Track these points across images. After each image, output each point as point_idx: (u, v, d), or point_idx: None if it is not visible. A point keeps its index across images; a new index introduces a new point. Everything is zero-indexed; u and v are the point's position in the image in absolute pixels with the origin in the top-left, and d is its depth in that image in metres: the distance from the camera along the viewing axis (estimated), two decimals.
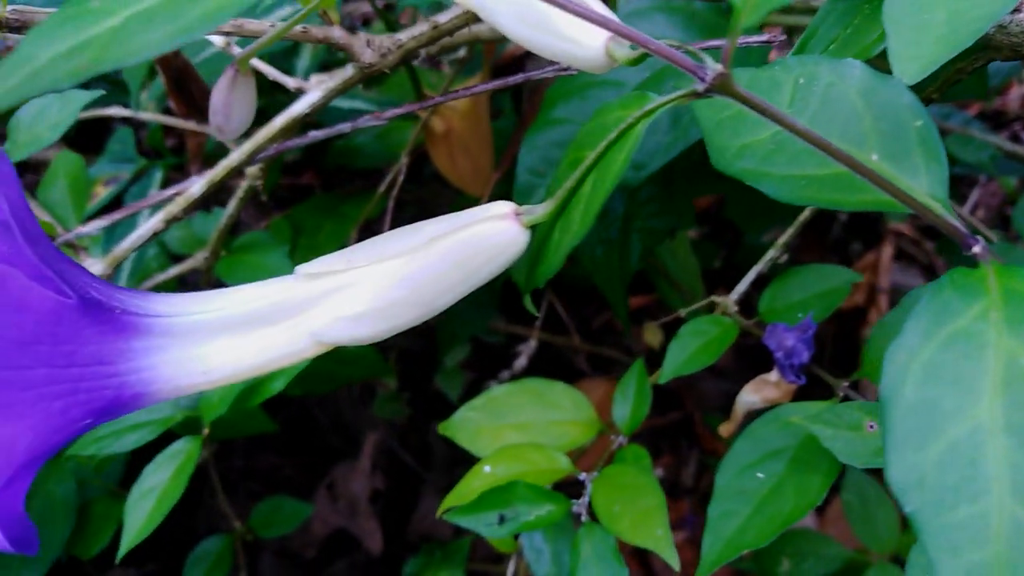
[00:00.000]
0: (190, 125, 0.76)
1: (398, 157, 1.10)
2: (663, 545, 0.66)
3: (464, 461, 1.47)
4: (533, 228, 0.40)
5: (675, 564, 0.65)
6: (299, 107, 0.57)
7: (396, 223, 0.99)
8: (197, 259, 0.73)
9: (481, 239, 0.40)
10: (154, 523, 0.66)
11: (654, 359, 1.51)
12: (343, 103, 1.03)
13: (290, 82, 0.60)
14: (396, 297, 0.40)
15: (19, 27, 0.44)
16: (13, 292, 0.34)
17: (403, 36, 0.53)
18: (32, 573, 0.86)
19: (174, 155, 1.07)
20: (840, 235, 1.69)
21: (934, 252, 1.59)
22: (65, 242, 0.66)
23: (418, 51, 0.54)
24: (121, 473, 0.98)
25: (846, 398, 0.63)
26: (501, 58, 1.03)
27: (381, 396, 1.42)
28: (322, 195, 1.11)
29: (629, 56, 0.40)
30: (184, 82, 0.71)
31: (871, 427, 0.55)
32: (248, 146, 0.59)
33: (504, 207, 0.40)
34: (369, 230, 1.04)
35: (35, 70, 0.27)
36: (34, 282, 0.35)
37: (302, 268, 0.42)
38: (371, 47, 0.52)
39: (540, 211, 0.39)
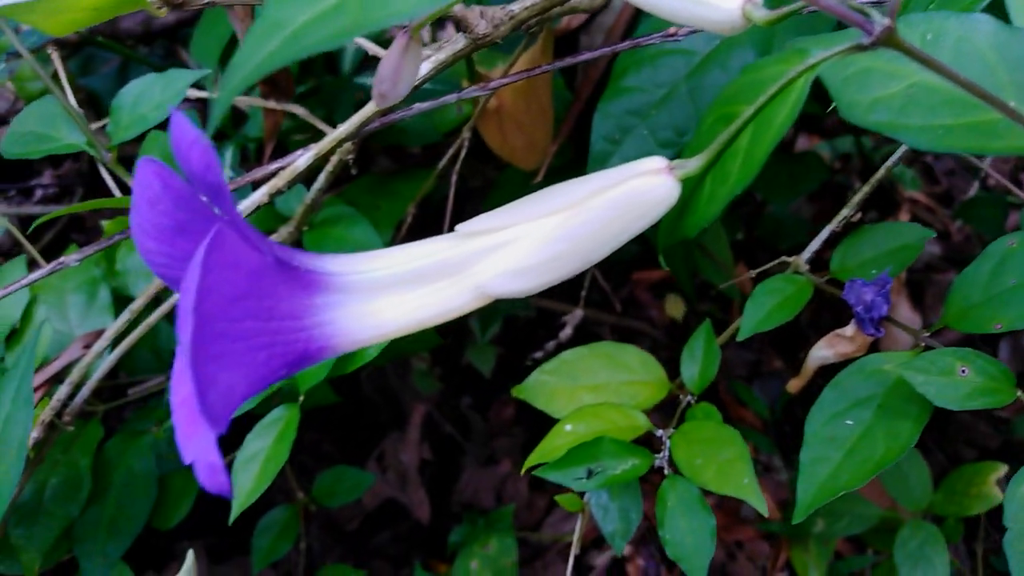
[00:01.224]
0: (270, 104, 0.78)
1: (436, 136, 1.13)
2: (750, 492, 0.68)
3: (500, 433, 1.51)
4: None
5: (763, 510, 0.68)
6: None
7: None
8: (281, 234, 0.75)
9: (638, 194, 0.42)
10: (262, 486, 0.69)
11: (676, 331, 1.55)
12: None
13: (382, 52, 0.62)
14: (557, 251, 0.42)
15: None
16: (229, 249, 0.36)
17: (515, 7, 0.55)
18: (118, 543, 0.89)
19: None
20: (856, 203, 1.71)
21: (949, 218, 1.62)
22: None
23: (528, 21, 0.56)
24: None
25: (927, 347, 0.66)
26: (555, 31, 1.05)
27: (417, 370, 1.45)
28: (372, 174, 1.13)
29: (766, 17, 0.42)
30: None
31: (963, 372, 0.58)
32: (356, 118, 0.61)
33: (658, 162, 0.42)
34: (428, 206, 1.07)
35: (292, 34, 0.30)
36: (242, 241, 0.37)
37: (462, 227, 0.44)
38: (484, 18, 0.54)
39: (693, 165, 0.42)
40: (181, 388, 0.43)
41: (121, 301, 0.97)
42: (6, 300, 0.72)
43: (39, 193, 1.39)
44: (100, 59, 1.33)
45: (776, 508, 1.32)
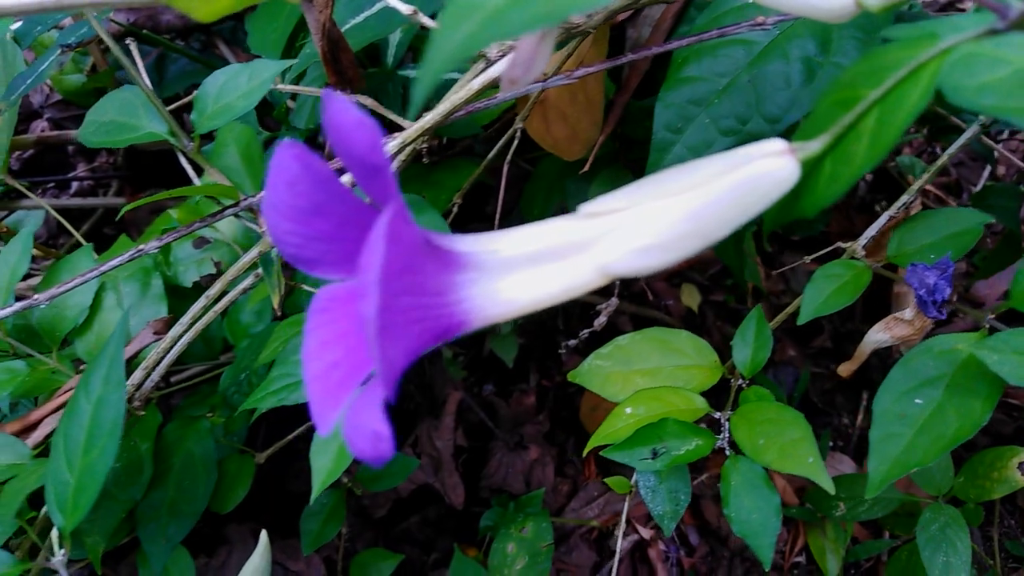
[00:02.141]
0: None
1: (476, 127, 1.15)
2: (816, 471, 0.71)
3: (525, 421, 1.52)
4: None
5: (831, 489, 0.70)
6: (496, 69, 0.61)
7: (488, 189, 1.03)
8: None
9: (761, 175, 0.44)
10: (342, 466, 0.70)
11: (691, 319, 1.57)
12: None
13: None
14: (682, 231, 0.44)
15: None
16: (397, 224, 0.38)
17: None
18: (180, 526, 0.91)
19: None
20: (866, 193, 1.75)
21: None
22: (249, 206, 0.69)
23: (620, 12, 0.57)
24: (245, 433, 1.02)
25: (992, 329, 0.68)
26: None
27: (446, 358, 1.47)
28: (415, 165, 1.15)
29: (880, 5, 0.44)
30: (336, 51, 0.74)
31: None
32: (443, 107, 0.63)
33: (779, 144, 0.44)
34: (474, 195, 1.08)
35: (490, 16, 0.31)
36: (404, 218, 0.39)
37: (584, 207, 0.46)
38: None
39: (815, 146, 0.44)
40: (312, 366, 0.45)
41: (171, 290, 0.99)
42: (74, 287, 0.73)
43: (74, 186, 1.40)
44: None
45: (793, 493, 1.35)
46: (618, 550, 0.95)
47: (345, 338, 0.46)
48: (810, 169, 0.45)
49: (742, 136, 0.75)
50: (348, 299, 0.47)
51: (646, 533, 1.35)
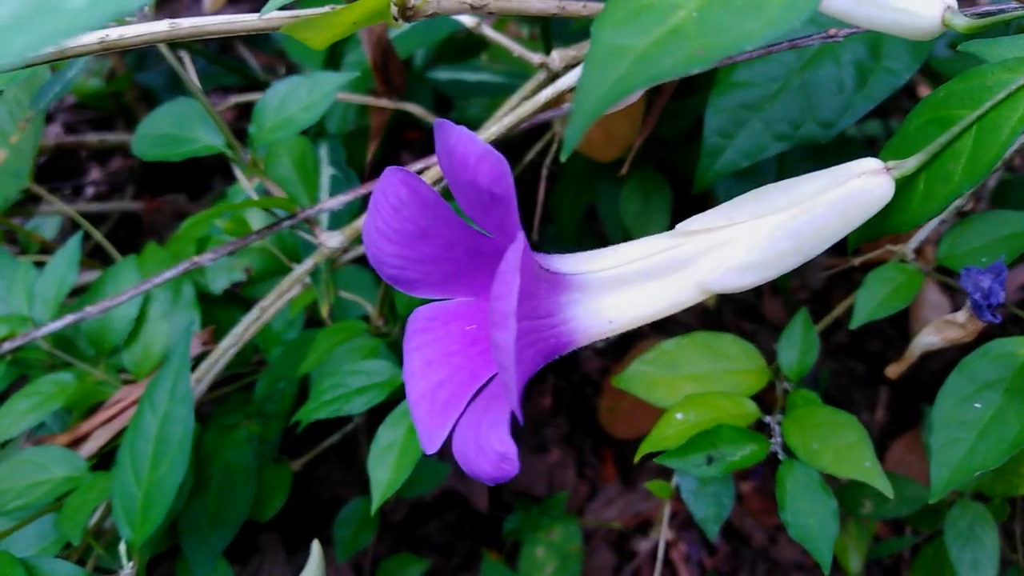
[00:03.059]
0: (382, 102, 0.80)
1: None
2: (874, 475, 0.71)
3: (546, 424, 1.52)
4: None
5: (889, 492, 0.71)
6: (568, 80, 0.61)
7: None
8: None
9: (859, 193, 0.45)
10: (402, 474, 0.70)
11: (709, 319, 1.57)
12: (470, 76, 1.07)
13: (535, 58, 0.64)
14: (782, 248, 0.45)
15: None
16: (524, 255, 0.38)
17: None
18: (222, 535, 0.90)
19: None
20: None
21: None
22: (306, 218, 0.69)
23: None
24: (278, 443, 1.01)
25: None
26: None
27: None
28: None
29: (967, 24, 0.45)
30: (386, 60, 0.74)
31: None
32: (509, 119, 0.63)
33: (875, 163, 0.45)
34: None
35: (637, 59, 0.31)
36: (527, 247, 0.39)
37: (681, 226, 0.46)
38: None
39: (910, 165, 0.44)
40: (418, 385, 0.46)
41: (200, 297, 0.99)
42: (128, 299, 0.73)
43: (90, 191, 1.39)
44: (153, 56, 1.33)
45: None
46: (661, 547, 0.96)
47: (450, 357, 0.46)
48: (903, 187, 0.45)
49: (795, 140, 0.76)
50: (450, 319, 0.47)
51: (668, 535, 1.35)
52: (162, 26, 0.51)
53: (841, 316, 1.55)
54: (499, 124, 0.63)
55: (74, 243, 0.83)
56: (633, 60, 0.31)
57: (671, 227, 0.45)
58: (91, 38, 0.49)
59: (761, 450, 0.76)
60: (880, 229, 0.47)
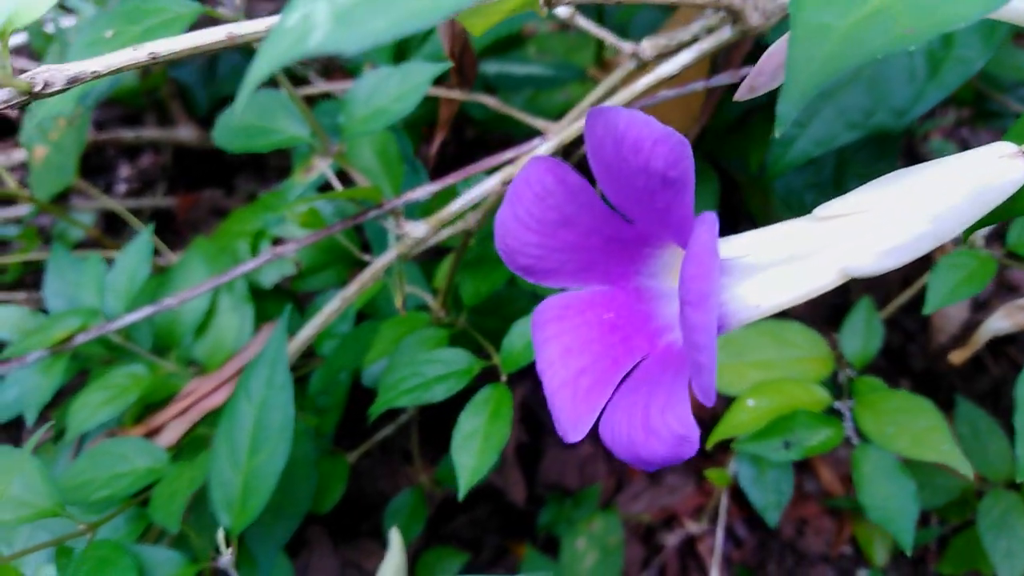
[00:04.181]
0: (453, 94, 0.80)
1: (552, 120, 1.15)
2: (953, 457, 0.72)
3: None
4: None
5: (969, 473, 0.72)
6: (668, 68, 0.62)
7: None
8: (468, 221, 0.77)
9: (995, 177, 0.45)
10: (487, 460, 0.71)
11: None
12: (518, 68, 1.07)
13: (626, 47, 0.64)
14: (922, 232, 0.45)
15: None
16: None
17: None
18: (285, 527, 0.90)
19: None
20: None
21: None
22: (392, 208, 0.70)
23: None
24: (332, 436, 1.02)
25: None
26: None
27: None
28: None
29: None
30: (463, 52, 0.75)
31: None
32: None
33: (1011, 147, 0.46)
34: None
35: (844, 37, 0.32)
36: None
37: (819, 210, 0.47)
38: (758, 10, 0.57)
39: None
40: (558, 373, 0.46)
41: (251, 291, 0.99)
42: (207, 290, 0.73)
43: (122, 187, 1.39)
44: None
45: (839, 483, 1.37)
46: (719, 538, 0.96)
47: (589, 346, 0.46)
48: None
49: (867, 129, 0.77)
50: (585, 308, 0.48)
51: (694, 528, 1.36)
52: (219, 34, 0.51)
53: None
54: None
55: (145, 236, 0.83)
56: (840, 39, 0.32)
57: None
58: (141, 53, 0.49)
59: (837, 435, 0.77)
60: (1009, 212, 0.47)
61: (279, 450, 0.63)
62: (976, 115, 1.15)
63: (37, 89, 0.40)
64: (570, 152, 0.72)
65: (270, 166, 1.42)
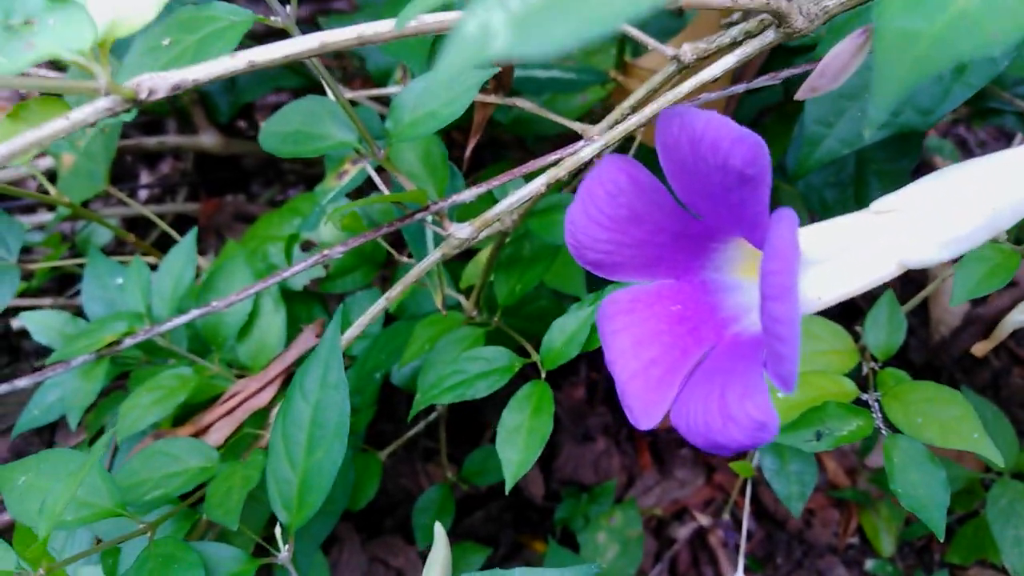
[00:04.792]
0: (490, 98, 0.82)
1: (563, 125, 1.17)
2: (984, 446, 0.75)
3: (588, 414, 1.55)
4: None
5: (1000, 461, 0.74)
6: (712, 71, 0.64)
7: None
8: (504, 222, 0.79)
9: None
10: (532, 454, 0.73)
11: None
12: (540, 72, 1.09)
13: (668, 50, 0.66)
14: (978, 224, 0.48)
15: None
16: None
17: (830, 2, 0.60)
18: (324, 524, 0.92)
19: None
20: None
21: None
22: (438, 210, 0.72)
23: (838, 15, 0.60)
24: (363, 434, 1.04)
25: None
26: None
27: None
28: (507, 161, 1.17)
29: None
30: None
31: None
32: (650, 109, 0.66)
33: None
34: None
35: (933, 42, 0.34)
36: None
37: (875, 205, 0.49)
38: (802, 13, 0.59)
39: None
40: (629, 364, 0.48)
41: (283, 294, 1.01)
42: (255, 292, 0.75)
43: (143, 193, 1.41)
44: None
45: (844, 475, 1.39)
46: (745, 521, 0.99)
47: (658, 337, 0.48)
48: None
49: (894, 128, 0.79)
50: (653, 301, 0.50)
51: (705, 520, 1.38)
52: (312, 42, 0.53)
53: (863, 300, 1.58)
54: (639, 115, 0.66)
55: (189, 240, 0.85)
56: (929, 43, 0.34)
57: None
58: (240, 60, 0.50)
59: (868, 425, 0.79)
60: None
61: (335, 448, 0.65)
62: (973, 114, 1.18)
63: (142, 96, 0.42)
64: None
65: (287, 171, 1.44)
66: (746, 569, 1.29)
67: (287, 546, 0.67)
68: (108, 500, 0.67)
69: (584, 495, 1.35)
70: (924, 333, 1.54)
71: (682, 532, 1.37)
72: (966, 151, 1.87)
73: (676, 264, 0.50)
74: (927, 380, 1.09)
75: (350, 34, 0.48)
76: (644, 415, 0.47)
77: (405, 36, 0.48)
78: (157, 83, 0.42)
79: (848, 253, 0.48)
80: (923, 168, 1.74)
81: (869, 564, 1.27)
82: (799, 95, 0.52)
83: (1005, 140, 1.88)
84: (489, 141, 1.30)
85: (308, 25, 1.28)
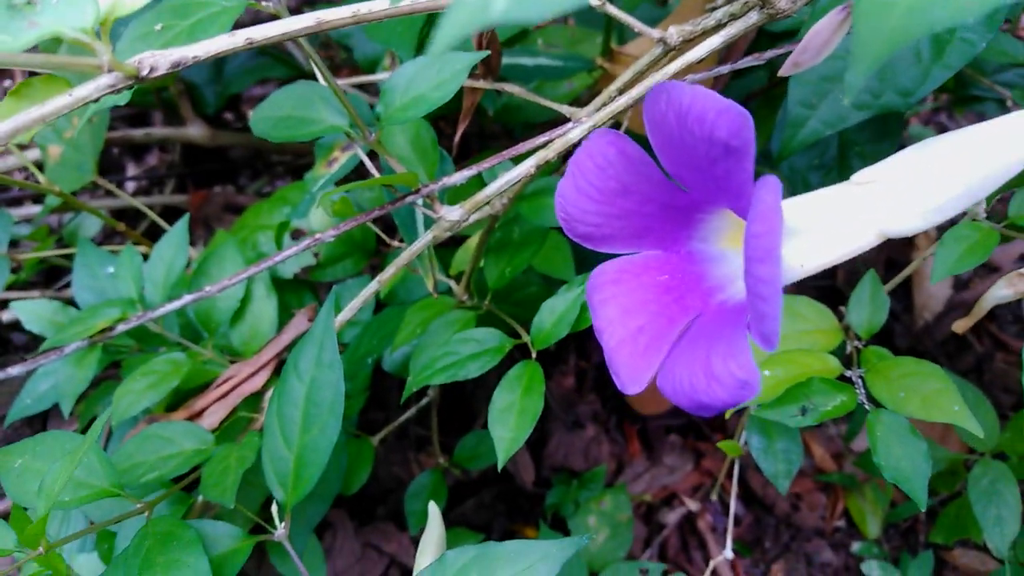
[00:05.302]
0: (479, 83, 0.83)
1: (551, 112, 1.18)
2: (964, 418, 0.76)
3: (578, 402, 1.56)
4: None
5: (979, 432, 0.76)
6: (698, 53, 0.65)
7: None
8: (494, 205, 0.80)
9: (1021, 142, 0.49)
10: (523, 432, 0.74)
11: None
12: (527, 60, 1.11)
13: (654, 33, 0.68)
14: (954, 194, 0.49)
15: None
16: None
17: None
18: (318, 508, 0.93)
19: None
20: None
21: None
22: (428, 193, 0.73)
23: None
24: (356, 419, 1.05)
25: None
26: None
27: None
28: (494, 149, 1.18)
29: None
30: (490, 44, 0.78)
31: None
32: (637, 91, 0.67)
33: None
34: None
35: (909, 9, 0.35)
36: None
37: (856, 176, 0.51)
38: None
39: None
40: (616, 332, 0.50)
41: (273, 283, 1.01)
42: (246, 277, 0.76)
43: (131, 185, 1.41)
44: None
45: (831, 459, 1.41)
46: (733, 504, 1.00)
47: (646, 306, 0.50)
48: None
49: (875, 109, 0.80)
50: (640, 271, 0.51)
51: (694, 505, 1.40)
52: (308, 20, 0.54)
53: (845, 273, 1.60)
54: (627, 96, 0.67)
55: (181, 227, 0.86)
56: (905, 10, 0.35)
57: None
58: (238, 38, 0.52)
59: (851, 400, 0.81)
60: None
61: (330, 426, 0.66)
62: (954, 100, 1.20)
63: (144, 73, 0.43)
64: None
65: (275, 162, 1.45)
66: (734, 552, 1.31)
67: (283, 524, 0.68)
68: (105, 480, 0.68)
69: (574, 481, 1.36)
70: (908, 319, 1.56)
71: (671, 517, 1.39)
72: None
73: (664, 235, 0.52)
74: None
75: (346, 12, 0.49)
76: (631, 380, 0.48)
77: (400, 14, 0.49)
78: (159, 60, 0.43)
79: (830, 223, 0.50)
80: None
81: (855, 546, 1.29)
82: (783, 71, 0.53)
83: None
84: (477, 132, 1.31)
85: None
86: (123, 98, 0.58)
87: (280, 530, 0.68)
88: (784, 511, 1.38)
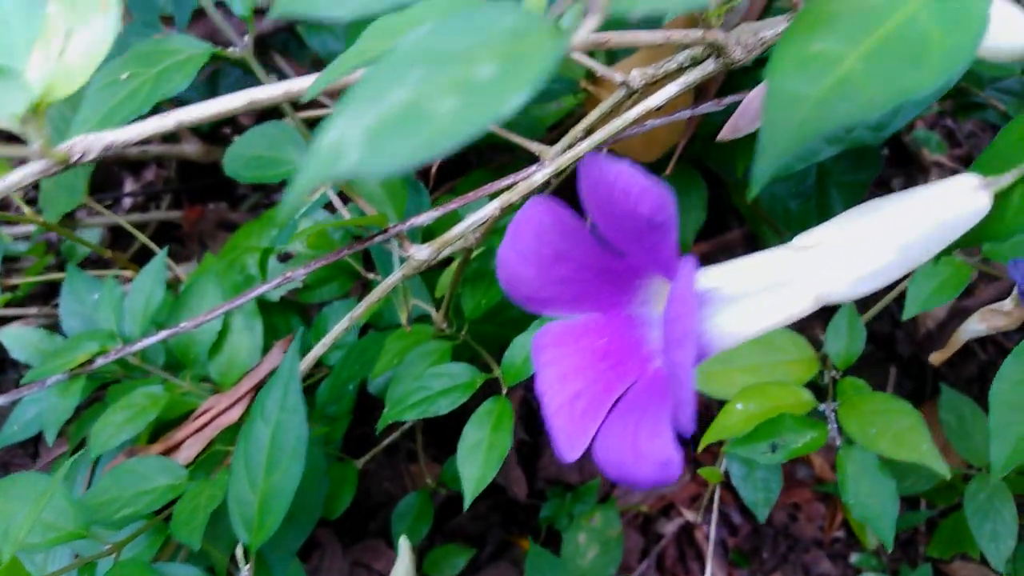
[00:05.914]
0: None
1: (541, 131, 1.19)
2: (931, 458, 0.76)
3: None
4: None
5: (946, 474, 0.76)
6: (656, 100, 0.65)
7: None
8: (468, 239, 0.80)
9: (958, 208, 0.49)
10: (491, 470, 0.75)
11: None
12: None
13: (617, 76, 0.68)
14: (891, 261, 0.49)
15: None
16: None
17: (767, 33, 0.61)
18: (297, 534, 0.94)
19: None
20: (883, 170, 1.80)
21: None
22: (396, 233, 0.73)
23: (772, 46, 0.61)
24: (340, 443, 1.06)
25: None
26: None
27: None
28: (483, 170, 1.19)
29: None
30: None
31: None
32: (599, 136, 0.67)
33: (973, 180, 0.49)
34: None
35: (817, 104, 0.36)
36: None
37: (796, 240, 0.51)
38: (740, 44, 0.60)
39: (1006, 181, 0.49)
40: (556, 397, 0.50)
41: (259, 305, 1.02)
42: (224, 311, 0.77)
43: (127, 202, 1.42)
44: None
45: (830, 470, 1.41)
46: (714, 523, 1.01)
47: (584, 371, 0.50)
48: (999, 199, 0.50)
49: (847, 144, 0.80)
50: (580, 335, 0.51)
51: (691, 516, 1.40)
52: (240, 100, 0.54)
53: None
54: (589, 140, 0.67)
55: (159, 260, 0.87)
56: (812, 106, 0.35)
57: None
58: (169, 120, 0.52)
59: (821, 437, 0.81)
60: (976, 239, 0.51)
61: (293, 469, 0.67)
62: (958, 107, 1.19)
63: (75, 159, 0.44)
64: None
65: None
66: (732, 563, 1.31)
67: (248, 566, 0.69)
68: (73, 523, 0.69)
69: (569, 494, 1.36)
70: (911, 326, 1.55)
71: (669, 528, 1.39)
72: (954, 142, 1.87)
73: (604, 299, 0.52)
74: (915, 372, 1.10)
75: (277, 91, 0.50)
76: (568, 447, 0.49)
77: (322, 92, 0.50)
78: (91, 143, 0.44)
79: (768, 289, 0.50)
80: (909, 163, 1.74)
81: (854, 557, 1.29)
82: (721, 135, 0.54)
83: (991, 131, 1.88)
84: (456, 156, 1.31)
85: (283, 33, 1.29)
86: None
87: (244, 572, 0.69)
88: (782, 521, 1.38)
